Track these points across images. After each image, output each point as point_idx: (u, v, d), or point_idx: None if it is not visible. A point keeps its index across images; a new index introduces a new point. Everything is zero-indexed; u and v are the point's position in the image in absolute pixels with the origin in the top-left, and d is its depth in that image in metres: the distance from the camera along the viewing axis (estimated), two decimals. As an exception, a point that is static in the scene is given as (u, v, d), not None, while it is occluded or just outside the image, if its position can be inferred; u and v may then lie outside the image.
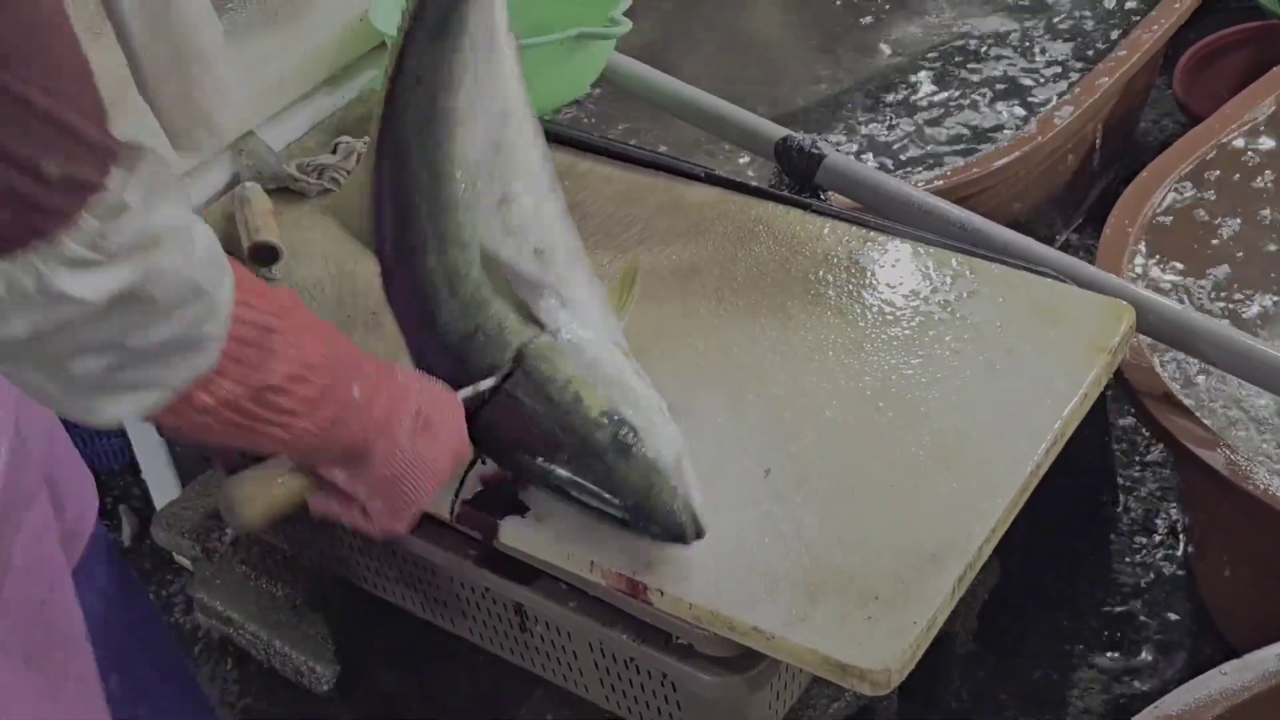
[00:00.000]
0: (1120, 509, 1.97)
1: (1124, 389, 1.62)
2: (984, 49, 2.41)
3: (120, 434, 2.08)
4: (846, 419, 1.38)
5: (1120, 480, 2.01)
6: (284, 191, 1.78)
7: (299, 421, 1.08)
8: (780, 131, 1.81)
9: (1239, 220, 1.91)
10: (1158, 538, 1.95)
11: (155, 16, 1.20)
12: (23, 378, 0.96)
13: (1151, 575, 1.91)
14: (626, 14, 1.82)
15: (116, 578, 1.64)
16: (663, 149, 2.16)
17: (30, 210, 0.87)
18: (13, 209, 0.86)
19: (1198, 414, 1.60)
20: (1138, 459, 2.05)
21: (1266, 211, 1.94)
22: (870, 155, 2.17)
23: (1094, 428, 1.71)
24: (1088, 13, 2.47)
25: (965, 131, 2.20)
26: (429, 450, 1.21)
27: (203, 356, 0.99)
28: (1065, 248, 2.37)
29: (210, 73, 1.26)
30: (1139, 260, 1.82)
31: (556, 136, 1.78)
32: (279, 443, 1.10)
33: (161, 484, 1.98)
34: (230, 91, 1.28)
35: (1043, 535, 1.62)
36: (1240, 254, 1.88)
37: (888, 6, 2.56)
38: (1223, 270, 1.86)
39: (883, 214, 1.71)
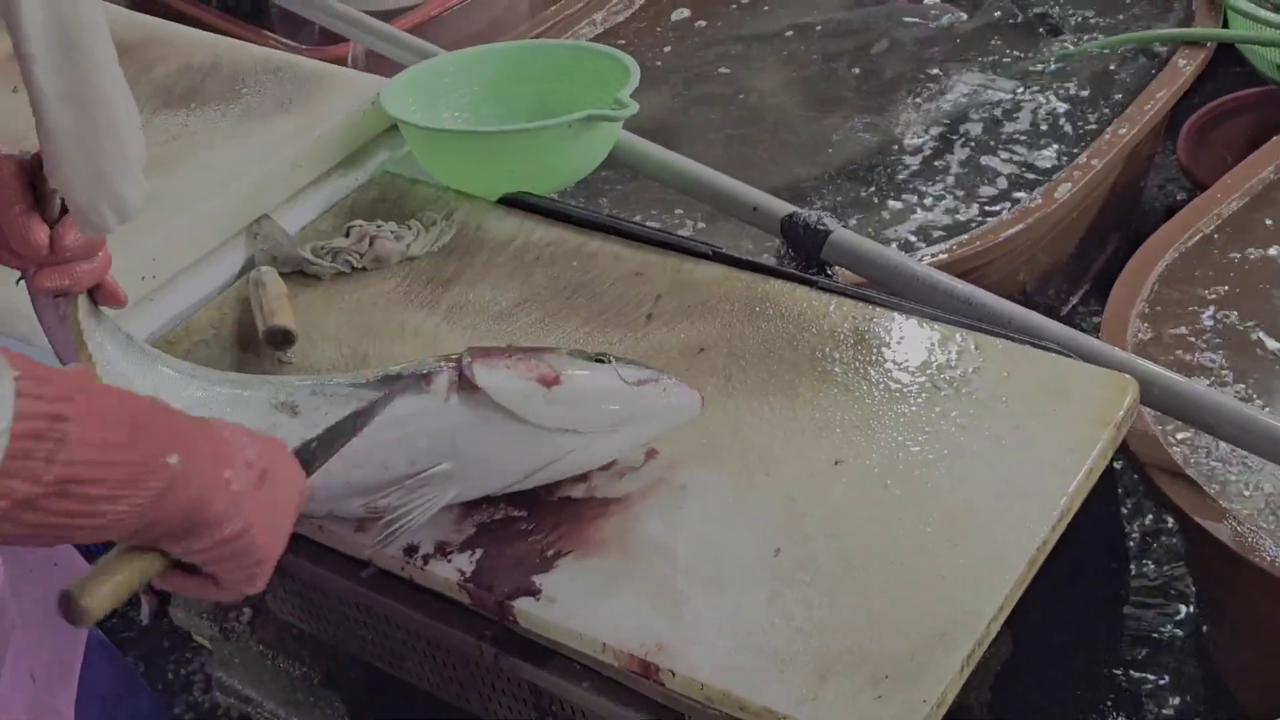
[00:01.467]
0: (1132, 576, 1.97)
1: (1130, 461, 1.64)
2: (990, 121, 2.44)
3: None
4: (855, 497, 1.39)
5: (1131, 547, 2.02)
6: (298, 274, 1.80)
7: (114, 507, 1.00)
8: (786, 208, 1.84)
9: (1240, 289, 1.93)
10: (1169, 605, 1.96)
11: (70, 87, 1.18)
12: None
13: (1164, 642, 1.92)
14: (635, 94, 1.85)
15: (122, 676, 1.65)
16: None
17: None
18: None
19: (1206, 485, 1.61)
20: (1148, 526, 2.06)
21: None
22: (876, 229, 2.19)
23: (1103, 497, 1.72)
24: (1091, 84, 2.50)
25: (971, 204, 2.22)
26: (270, 500, 1.14)
27: None
28: (1071, 316, 2.40)
29: (121, 150, 1.24)
30: (1142, 332, 1.84)
31: (566, 216, 1.82)
32: (98, 532, 1.02)
33: (179, 563, 1.99)
34: (139, 174, 1.25)
35: (1055, 605, 1.63)
36: (1239, 324, 1.90)
37: (893, 78, 2.60)
38: (1224, 338, 1.88)
39: (889, 289, 1.73)
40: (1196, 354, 1.84)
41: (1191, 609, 1.94)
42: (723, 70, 2.70)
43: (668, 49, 2.78)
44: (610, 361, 1.41)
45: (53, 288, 1.34)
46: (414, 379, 1.38)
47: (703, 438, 1.48)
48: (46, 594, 1.35)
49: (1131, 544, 2.03)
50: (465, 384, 1.37)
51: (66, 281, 1.34)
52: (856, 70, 2.64)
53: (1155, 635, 1.93)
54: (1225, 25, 2.50)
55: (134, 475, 1.01)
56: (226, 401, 1.42)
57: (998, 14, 2.75)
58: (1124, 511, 2.05)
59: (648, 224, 2.02)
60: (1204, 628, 1.85)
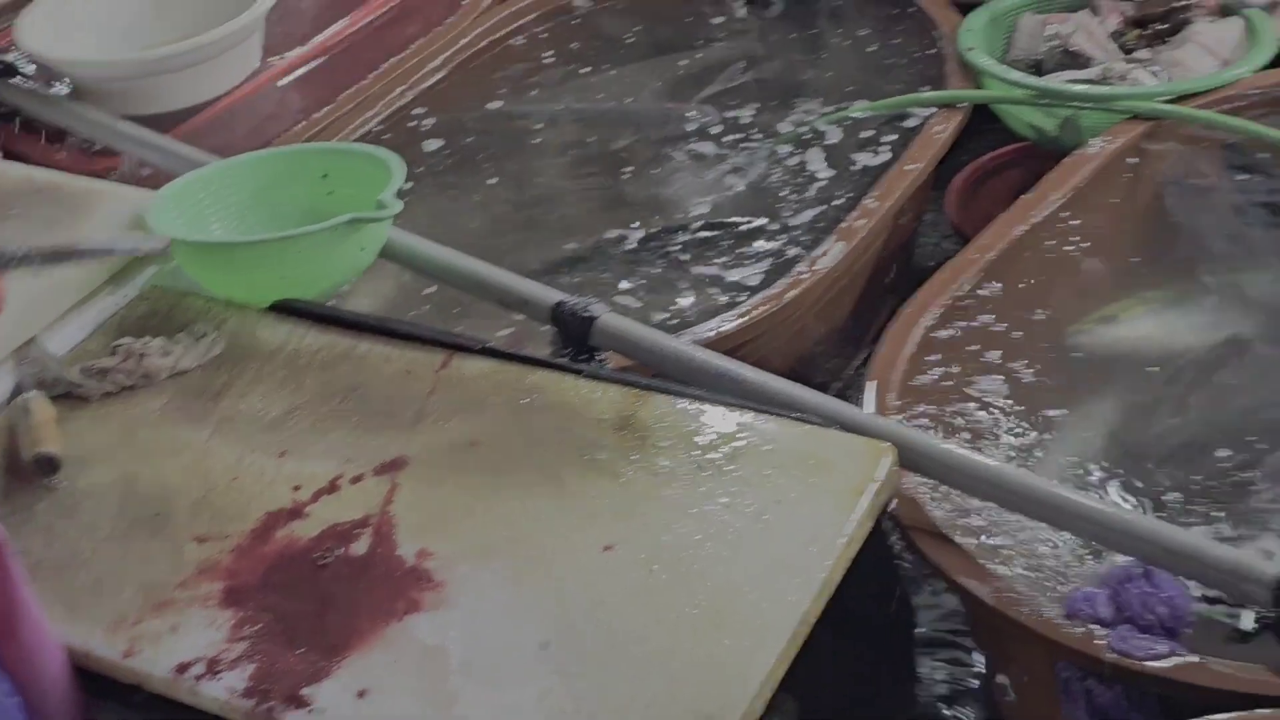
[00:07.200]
0: (918, 631, 2.01)
1: (895, 525, 1.68)
2: (755, 195, 2.50)
3: None
4: (623, 584, 1.41)
5: (916, 604, 2.06)
6: (68, 397, 1.78)
7: None
8: (555, 296, 1.86)
9: (1003, 346, 2.00)
10: (955, 658, 2.00)
11: None
12: None
13: (951, 694, 1.96)
14: (408, 189, 1.87)
15: None
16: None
17: None
18: None
19: (970, 544, 1.66)
20: (930, 582, 2.11)
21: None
22: (647, 311, 2.22)
23: (879, 559, 1.76)
24: (850, 150, 2.57)
25: (740, 278, 2.27)
26: None
27: None
28: (856, 379, 2.44)
29: None
30: (906, 395, 1.89)
31: (336, 319, 1.82)
32: None
33: None
34: None
35: (842, 666, 1.67)
36: (1004, 381, 1.97)
37: (656, 160, 2.66)
38: (987, 394, 1.94)
39: (659, 370, 1.77)
40: (963, 414, 1.90)
41: (975, 661, 1.98)
42: (488, 159, 2.74)
43: (440, 138, 2.80)
44: None
45: None
46: None
47: (475, 535, 1.50)
48: None
49: (916, 597, 2.08)
50: None
51: None
52: (622, 157, 2.70)
53: (944, 686, 1.97)
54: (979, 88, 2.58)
55: None
56: None
57: (749, 80, 2.83)
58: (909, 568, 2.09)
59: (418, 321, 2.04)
60: (986, 679, 1.89)
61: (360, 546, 1.49)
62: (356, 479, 1.59)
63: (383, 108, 2.76)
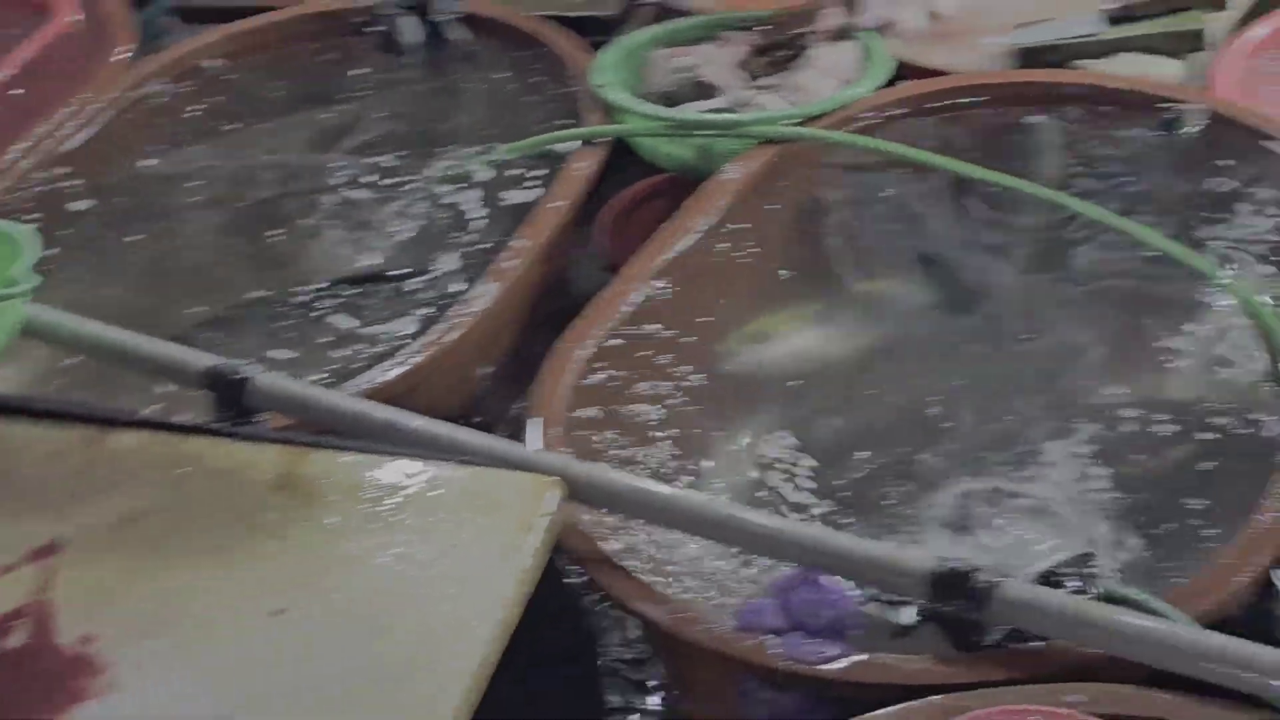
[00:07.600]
0: (605, 660, 2.04)
1: (570, 557, 1.70)
2: (413, 243, 2.51)
3: None
4: (296, 647, 1.39)
5: (603, 633, 2.08)
6: None
7: None
8: (207, 360, 1.83)
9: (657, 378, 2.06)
10: (642, 683, 2.03)
11: None
12: None
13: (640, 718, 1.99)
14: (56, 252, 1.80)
15: None
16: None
17: None
18: None
19: (645, 569, 1.69)
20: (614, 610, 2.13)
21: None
22: (308, 368, 2.20)
23: (557, 595, 1.78)
24: (495, 190, 2.59)
25: (402, 328, 2.27)
26: None
27: None
28: (522, 415, 2.46)
29: None
30: (570, 427, 1.92)
31: (-26, 404, 1.74)
32: None
33: None
34: None
35: (518, 709, 1.68)
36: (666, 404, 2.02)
37: (308, 217, 2.64)
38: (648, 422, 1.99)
39: (322, 426, 1.75)
40: (628, 443, 1.95)
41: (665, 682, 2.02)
42: (137, 221, 2.67)
43: (86, 201, 2.71)
44: None
45: None
46: None
47: (141, 614, 1.45)
48: None
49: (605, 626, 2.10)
50: None
51: None
52: (272, 213, 2.67)
53: (635, 711, 1.99)
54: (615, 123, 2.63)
55: None
56: None
57: (394, 128, 2.83)
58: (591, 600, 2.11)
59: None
60: (675, 699, 1.93)
61: (16, 640, 1.43)
62: (7, 569, 1.52)
63: (24, 175, 2.65)
